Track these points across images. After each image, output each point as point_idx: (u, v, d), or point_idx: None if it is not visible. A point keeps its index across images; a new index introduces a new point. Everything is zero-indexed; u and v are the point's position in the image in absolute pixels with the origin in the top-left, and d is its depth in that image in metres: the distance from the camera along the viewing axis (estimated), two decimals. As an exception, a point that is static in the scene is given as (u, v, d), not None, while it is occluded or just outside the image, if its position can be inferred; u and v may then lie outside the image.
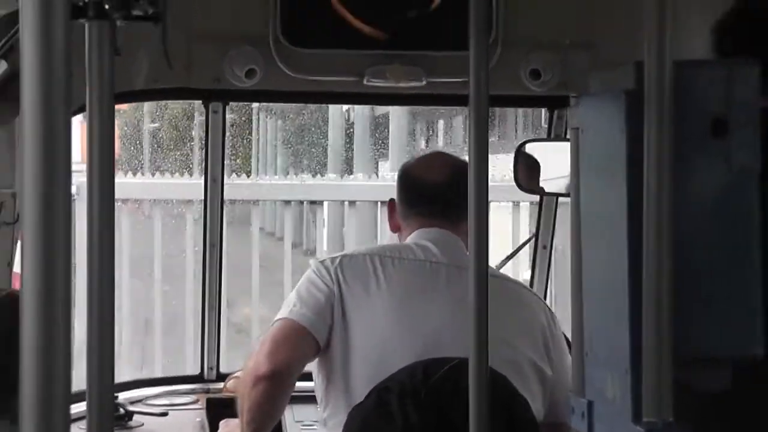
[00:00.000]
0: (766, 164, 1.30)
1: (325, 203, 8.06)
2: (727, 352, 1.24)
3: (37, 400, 0.75)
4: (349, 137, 11.71)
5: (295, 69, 2.90)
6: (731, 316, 1.25)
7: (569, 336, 2.60)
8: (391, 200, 2.83)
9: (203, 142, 3.33)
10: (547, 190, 3.12)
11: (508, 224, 6.60)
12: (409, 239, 2.71)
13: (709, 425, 1.24)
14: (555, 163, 3.05)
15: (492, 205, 6.85)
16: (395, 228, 2.82)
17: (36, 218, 0.76)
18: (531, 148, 3.15)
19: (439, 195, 2.70)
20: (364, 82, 2.92)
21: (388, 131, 11.38)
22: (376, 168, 11.73)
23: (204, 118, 3.28)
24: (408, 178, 2.80)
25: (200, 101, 3.24)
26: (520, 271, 5.68)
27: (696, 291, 1.25)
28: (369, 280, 2.56)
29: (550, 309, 2.76)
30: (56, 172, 0.77)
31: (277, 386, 2.50)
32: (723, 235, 1.27)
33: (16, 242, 2.52)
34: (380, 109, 12.08)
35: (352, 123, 11.81)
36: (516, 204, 6.73)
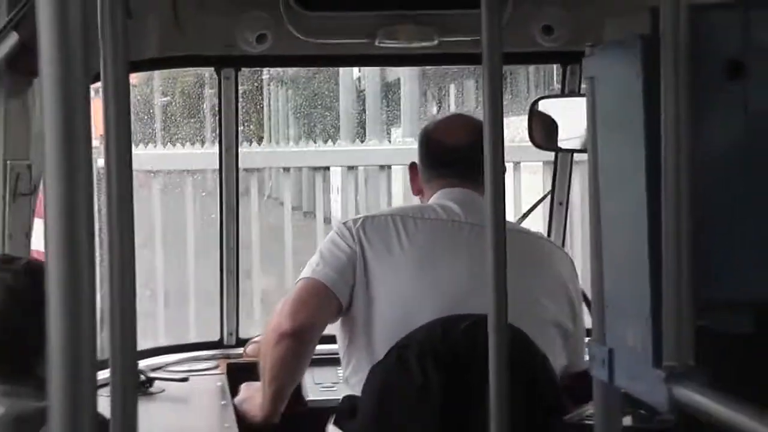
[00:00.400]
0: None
1: (339, 169, 8.04)
2: (749, 296, 1.24)
3: (64, 368, 0.75)
4: (361, 104, 11.66)
5: (306, 33, 2.89)
6: (752, 261, 1.25)
7: (586, 288, 2.62)
8: (413, 164, 2.83)
9: (216, 111, 3.33)
10: (563, 147, 3.10)
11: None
12: (432, 200, 2.72)
13: (730, 369, 1.24)
14: (570, 119, 3.03)
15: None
16: (418, 191, 2.82)
17: (59, 189, 0.76)
18: (545, 105, 3.13)
19: (460, 157, 2.70)
20: (376, 43, 2.91)
21: (400, 97, 11.33)
22: (389, 133, 11.70)
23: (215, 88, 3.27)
24: (429, 141, 2.80)
25: (212, 69, 3.24)
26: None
27: (716, 236, 1.25)
28: (391, 241, 2.56)
29: (572, 261, 2.77)
30: (77, 142, 0.76)
31: (300, 343, 2.52)
32: (742, 180, 1.26)
33: (33, 213, 2.53)
34: (391, 75, 12.03)
35: (364, 90, 11.76)
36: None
